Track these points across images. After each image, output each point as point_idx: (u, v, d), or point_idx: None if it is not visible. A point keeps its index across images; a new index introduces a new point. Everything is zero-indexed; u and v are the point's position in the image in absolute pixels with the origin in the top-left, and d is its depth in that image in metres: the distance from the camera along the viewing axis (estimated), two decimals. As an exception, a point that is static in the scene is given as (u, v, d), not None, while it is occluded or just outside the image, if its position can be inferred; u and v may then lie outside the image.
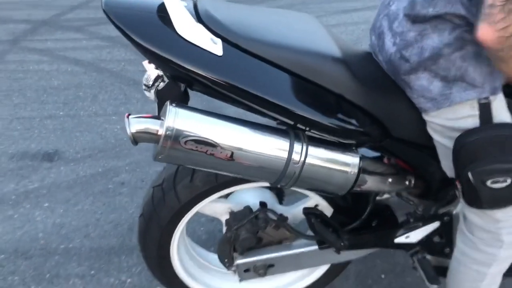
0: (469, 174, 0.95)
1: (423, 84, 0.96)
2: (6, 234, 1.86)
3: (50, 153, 2.33)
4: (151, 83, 1.03)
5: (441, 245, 1.33)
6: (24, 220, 1.93)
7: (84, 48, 3.41)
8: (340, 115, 0.98)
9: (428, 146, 1.07)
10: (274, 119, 0.99)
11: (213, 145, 0.93)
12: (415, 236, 1.27)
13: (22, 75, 3.02)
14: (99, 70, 3.13)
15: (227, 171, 1.00)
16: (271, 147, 0.97)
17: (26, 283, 1.67)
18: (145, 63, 1.05)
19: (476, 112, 0.96)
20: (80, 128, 2.54)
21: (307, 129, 0.99)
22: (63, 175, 2.19)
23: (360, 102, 0.99)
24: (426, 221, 1.26)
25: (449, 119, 0.98)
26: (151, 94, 1.04)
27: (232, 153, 0.95)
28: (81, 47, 3.43)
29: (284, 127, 1.02)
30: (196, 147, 0.93)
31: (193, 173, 1.17)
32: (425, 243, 1.29)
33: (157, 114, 1.00)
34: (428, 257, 1.32)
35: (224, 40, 0.93)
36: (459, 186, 1.00)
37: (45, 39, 3.52)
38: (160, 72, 1.01)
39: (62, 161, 2.28)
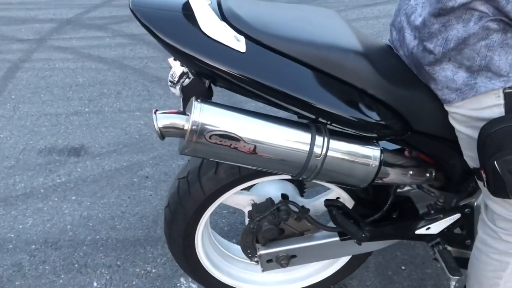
0: (495, 163, 0.95)
1: (447, 75, 0.97)
2: (36, 226, 1.93)
3: (77, 148, 2.40)
4: (176, 79, 1.06)
5: (462, 236, 1.33)
6: (53, 213, 2.00)
7: (108, 46, 3.48)
8: (361, 109, 0.99)
9: (449, 139, 1.08)
10: (296, 113, 1.02)
11: (236, 139, 0.96)
12: (436, 227, 1.27)
13: (48, 73, 3.10)
14: (123, 67, 3.19)
15: (250, 164, 1.02)
16: (293, 140, 0.99)
17: (56, 272, 1.74)
18: (171, 60, 1.08)
19: (501, 101, 0.96)
20: (105, 124, 2.60)
21: (329, 122, 1.01)
22: (89, 169, 2.26)
23: (381, 96, 1.01)
24: (447, 213, 1.27)
25: (474, 109, 0.98)
26: (176, 90, 1.07)
27: (255, 146, 0.97)
28: (104, 44, 3.50)
29: (305, 121, 1.04)
30: (220, 141, 0.96)
31: (217, 165, 1.20)
32: (446, 234, 1.30)
33: (182, 109, 1.04)
34: (449, 248, 1.33)
35: (247, 37, 0.95)
36: (484, 176, 1.00)
37: (70, 37, 3.60)
38: (185, 69, 1.04)
39: (88, 156, 2.35)
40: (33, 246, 1.84)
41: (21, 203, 2.04)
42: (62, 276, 1.73)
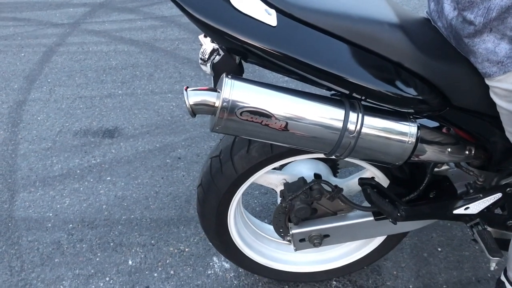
0: None
1: (488, 47, 0.92)
2: (73, 206, 1.98)
3: (111, 130, 2.44)
4: (207, 56, 1.04)
5: (503, 217, 1.28)
6: (89, 193, 2.04)
7: (139, 29, 3.50)
8: (397, 83, 0.96)
9: (490, 114, 1.03)
10: (329, 89, 0.99)
11: (267, 115, 0.94)
12: (475, 207, 1.23)
13: (82, 56, 3.15)
14: (154, 49, 3.21)
15: (282, 141, 1.01)
16: (326, 116, 0.96)
17: (93, 251, 1.78)
18: (201, 37, 1.06)
19: None
20: (138, 106, 2.63)
21: (363, 98, 0.98)
22: (123, 150, 2.29)
23: (419, 69, 0.97)
24: (487, 192, 1.22)
25: None
26: (207, 68, 1.05)
27: (287, 123, 0.95)
28: (136, 27, 3.52)
29: (338, 97, 1.01)
30: (251, 117, 0.94)
31: (249, 144, 1.19)
32: (486, 215, 1.25)
33: (213, 86, 1.03)
34: (489, 229, 1.28)
35: (279, 10, 0.93)
36: None
37: (103, 21, 3.64)
38: (215, 46, 1.03)
39: (122, 137, 2.38)
40: (71, 225, 1.89)
41: (59, 184, 2.09)
42: (99, 254, 1.77)
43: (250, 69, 2.85)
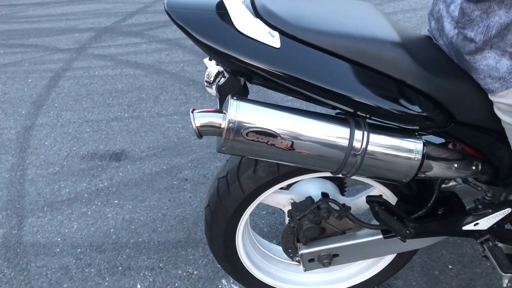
0: None
1: (489, 63, 0.93)
2: (81, 230, 1.98)
3: (118, 153, 2.45)
4: (212, 79, 1.06)
5: (514, 232, 1.28)
6: (97, 217, 2.05)
7: (144, 52, 3.55)
8: (401, 101, 0.96)
9: (495, 129, 1.04)
10: (334, 108, 1.00)
11: (273, 135, 0.95)
12: (484, 223, 1.22)
13: (89, 80, 3.19)
14: (160, 72, 3.25)
15: (288, 161, 1.01)
16: (331, 135, 0.97)
17: (102, 275, 1.77)
18: (206, 60, 1.08)
19: None
20: (144, 128, 2.65)
21: (368, 116, 0.99)
22: (130, 173, 2.30)
23: (422, 86, 0.97)
24: (496, 207, 1.21)
25: None
26: (212, 90, 1.07)
27: (292, 142, 0.96)
28: (141, 51, 3.57)
29: (343, 116, 1.02)
30: (257, 138, 0.95)
31: (256, 164, 1.19)
32: (496, 230, 1.24)
33: (219, 108, 1.04)
34: (500, 244, 1.27)
35: (281, 32, 0.94)
36: None
37: (108, 45, 3.69)
38: (220, 68, 1.04)
39: (129, 160, 2.39)
40: (79, 250, 1.89)
41: (66, 208, 2.10)
42: (107, 278, 1.76)
43: (254, 89, 2.87)
